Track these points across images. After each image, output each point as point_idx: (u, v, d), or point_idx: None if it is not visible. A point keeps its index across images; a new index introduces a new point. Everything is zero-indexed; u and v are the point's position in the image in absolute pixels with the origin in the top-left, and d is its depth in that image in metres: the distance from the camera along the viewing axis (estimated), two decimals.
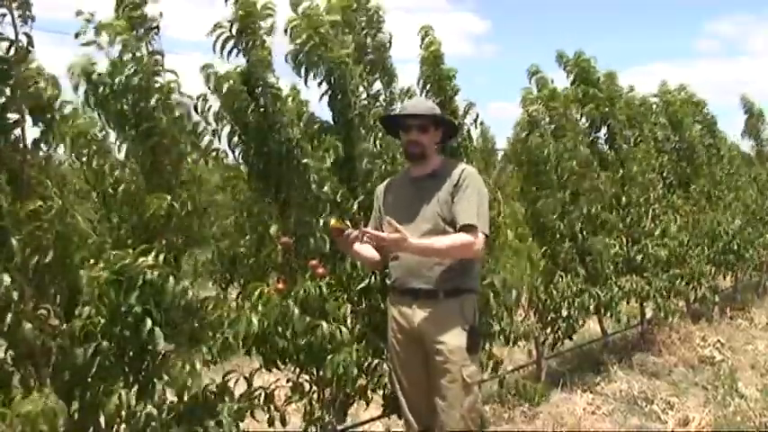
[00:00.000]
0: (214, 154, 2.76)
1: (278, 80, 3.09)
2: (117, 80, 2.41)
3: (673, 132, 6.76)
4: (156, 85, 2.46)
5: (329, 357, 2.93)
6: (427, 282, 2.80)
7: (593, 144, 5.63)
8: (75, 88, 2.41)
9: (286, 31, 3.21)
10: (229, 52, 3.00)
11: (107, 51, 2.44)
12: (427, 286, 2.80)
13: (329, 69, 3.25)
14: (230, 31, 3.01)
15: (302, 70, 3.23)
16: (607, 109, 5.64)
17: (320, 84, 3.31)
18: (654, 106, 6.66)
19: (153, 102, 2.44)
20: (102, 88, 2.42)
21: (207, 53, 3.07)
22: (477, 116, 3.83)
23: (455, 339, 2.75)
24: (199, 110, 2.90)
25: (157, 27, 2.48)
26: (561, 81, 5.49)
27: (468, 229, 2.73)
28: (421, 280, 2.81)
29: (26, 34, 2.05)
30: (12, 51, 2.04)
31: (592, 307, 5.03)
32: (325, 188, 3.10)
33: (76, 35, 2.39)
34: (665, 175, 6.41)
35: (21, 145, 2.05)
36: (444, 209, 2.79)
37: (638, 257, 5.56)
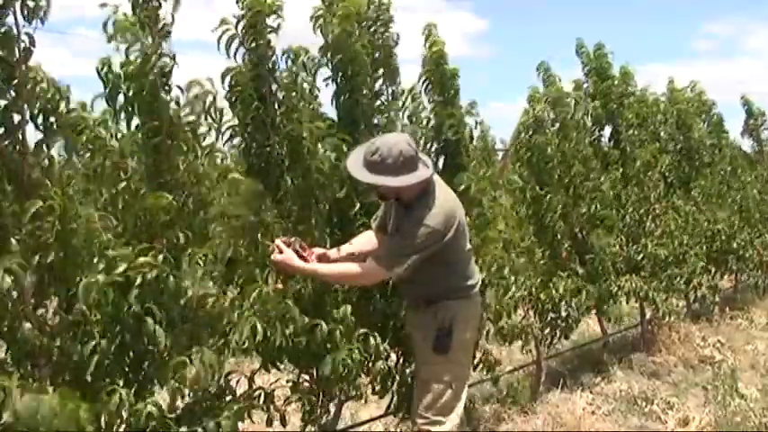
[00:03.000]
0: (215, 153, 2.75)
1: (291, 76, 3.07)
2: (127, 78, 2.42)
3: (678, 132, 6.75)
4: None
5: (329, 357, 2.93)
6: (411, 293, 3.04)
7: (597, 143, 5.62)
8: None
9: (311, 18, 3.19)
10: (236, 50, 2.98)
11: (120, 49, 2.43)
12: (412, 297, 3.05)
13: (347, 63, 3.22)
14: (235, 28, 3.00)
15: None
16: (615, 106, 5.63)
17: (334, 80, 3.27)
18: (662, 105, 6.64)
19: (162, 100, 2.44)
20: (112, 86, 2.43)
21: (207, 52, 3.06)
22: (478, 116, 3.85)
23: (423, 339, 2.95)
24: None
25: (168, 29, 2.47)
26: (570, 75, 5.48)
27: (374, 259, 2.75)
28: (409, 290, 3.04)
29: (28, 34, 2.05)
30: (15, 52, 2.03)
31: (591, 305, 5.03)
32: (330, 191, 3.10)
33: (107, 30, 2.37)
34: (666, 174, 6.41)
35: (23, 146, 2.05)
36: None
37: (638, 257, 5.55)
